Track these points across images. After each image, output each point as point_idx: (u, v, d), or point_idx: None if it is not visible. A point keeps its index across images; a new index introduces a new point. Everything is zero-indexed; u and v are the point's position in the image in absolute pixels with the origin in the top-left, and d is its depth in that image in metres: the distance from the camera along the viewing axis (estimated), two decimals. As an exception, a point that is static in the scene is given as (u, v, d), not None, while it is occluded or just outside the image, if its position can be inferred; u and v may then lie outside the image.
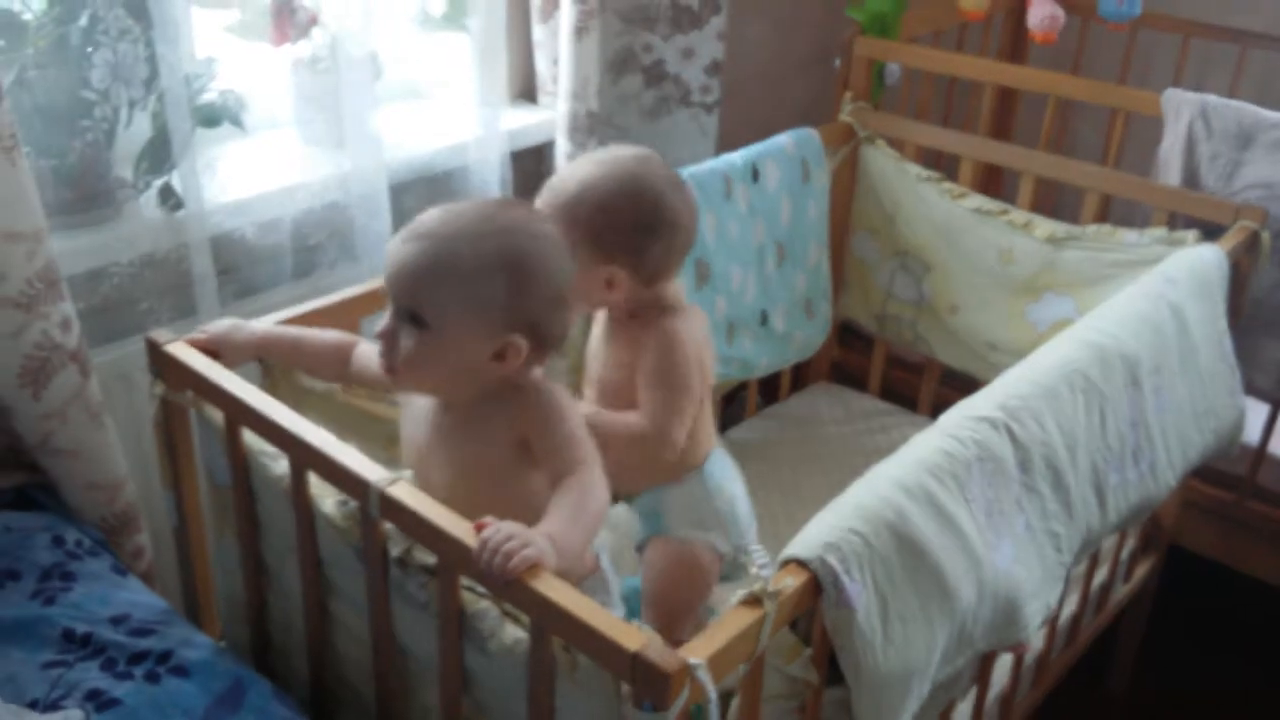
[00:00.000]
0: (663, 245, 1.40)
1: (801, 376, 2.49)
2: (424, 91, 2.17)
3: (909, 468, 1.18)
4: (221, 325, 1.39)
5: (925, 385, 2.40)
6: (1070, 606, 1.84)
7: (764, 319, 2.14)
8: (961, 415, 1.28)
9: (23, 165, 1.38)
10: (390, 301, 1.21)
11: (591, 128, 2.16)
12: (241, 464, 1.29)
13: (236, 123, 1.76)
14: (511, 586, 1.00)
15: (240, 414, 1.25)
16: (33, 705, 1.24)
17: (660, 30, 2.22)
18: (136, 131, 1.66)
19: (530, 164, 2.25)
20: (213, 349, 1.36)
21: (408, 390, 1.26)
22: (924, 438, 1.25)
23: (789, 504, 2.12)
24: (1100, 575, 1.92)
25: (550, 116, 2.20)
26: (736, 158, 2.04)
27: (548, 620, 0.99)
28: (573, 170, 1.42)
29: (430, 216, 1.21)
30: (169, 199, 1.70)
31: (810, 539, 1.08)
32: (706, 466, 1.53)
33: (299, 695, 1.39)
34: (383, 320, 1.21)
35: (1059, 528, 1.34)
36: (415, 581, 1.12)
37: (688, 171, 1.96)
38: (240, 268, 1.84)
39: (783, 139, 2.12)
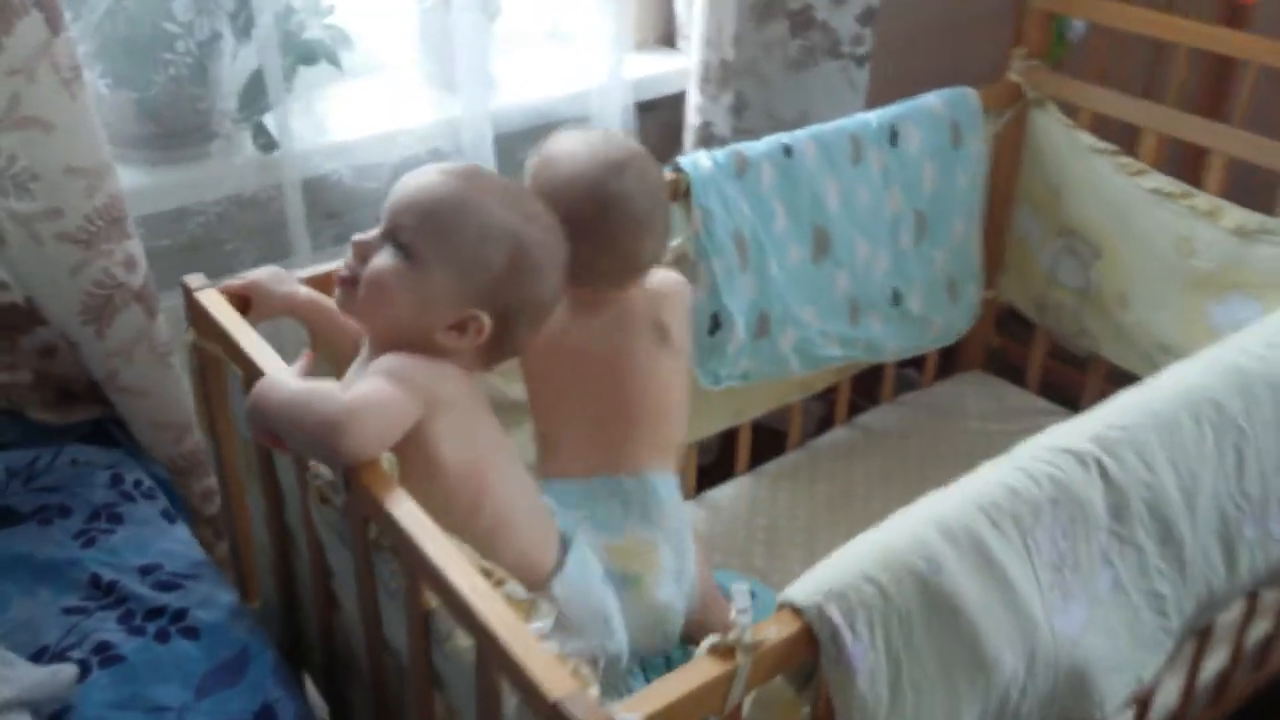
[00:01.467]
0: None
1: (952, 362, 2.27)
2: (550, 35, 2.06)
3: (959, 505, 1.00)
4: (261, 274, 1.33)
5: (1090, 384, 2.13)
6: (1218, 660, 1.58)
7: (896, 299, 1.94)
8: (1042, 445, 1.08)
9: (84, 99, 1.35)
10: (385, 220, 1.16)
11: (725, 78, 2.00)
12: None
13: (333, 61, 1.70)
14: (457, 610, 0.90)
15: (253, 374, 1.19)
16: (42, 651, 1.24)
17: (811, -27, 2.02)
18: (229, 66, 1.62)
19: (663, 116, 2.11)
20: (246, 298, 1.31)
21: (352, 312, 1.19)
22: (990, 469, 1.06)
23: (908, 503, 1.93)
24: (1260, 627, 1.65)
25: (685, 65, 2.05)
26: (871, 117, 1.84)
27: (486, 646, 0.88)
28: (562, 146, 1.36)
29: (472, 166, 1.20)
30: (261, 137, 1.66)
31: (814, 582, 0.92)
32: None
33: (318, 658, 1.35)
34: (366, 233, 1.16)
35: (1164, 587, 1.12)
36: (387, 568, 1.03)
37: (809, 132, 1.77)
38: (338, 213, 1.79)
39: (931, 98, 1.90)
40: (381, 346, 1.17)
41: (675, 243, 1.66)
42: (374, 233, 1.16)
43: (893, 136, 1.85)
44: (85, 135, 1.36)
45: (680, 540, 1.36)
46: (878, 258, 1.89)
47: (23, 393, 1.52)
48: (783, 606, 0.92)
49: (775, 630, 0.89)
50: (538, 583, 1.22)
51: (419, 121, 1.79)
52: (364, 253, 1.15)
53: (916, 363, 2.17)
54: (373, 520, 1.02)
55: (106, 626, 1.27)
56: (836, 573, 0.93)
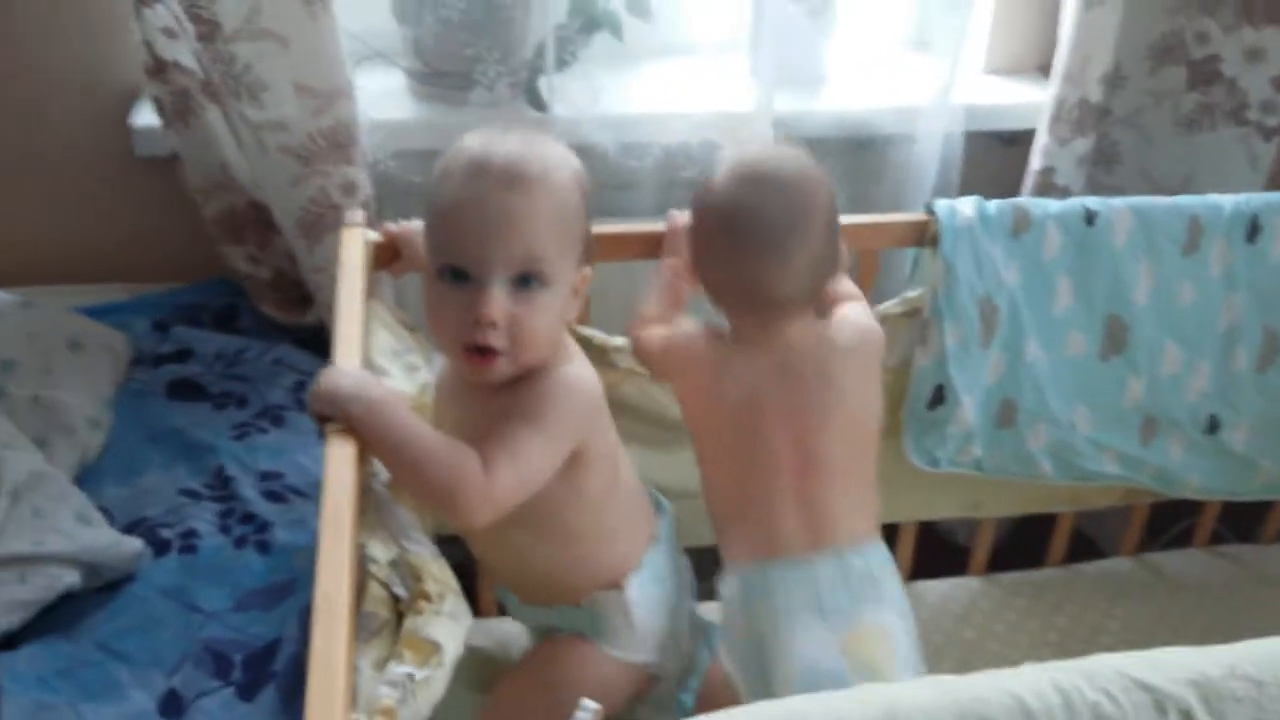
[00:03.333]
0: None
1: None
2: (915, 42, 1.86)
3: (930, 703, 0.74)
4: (413, 225, 1.31)
5: None
6: None
7: (1212, 426, 1.54)
8: (1114, 667, 0.77)
9: (326, 23, 1.39)
10: (488, 269, 1.03)
11: (1083, 122, 1.68)
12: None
13: (615, 33, 1.64)
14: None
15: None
16: (141, 521, 1.31)
17: (1222, 17, 1.64)
18: (514, 21, 1.60)
19: (1016, 153, 1.81)
20: (395, 246, 1.30)
21: (501, 375, 1.07)
22: (1019, 671, 0.78)
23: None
24: None
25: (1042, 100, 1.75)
26: (1228, 202, 1.46)
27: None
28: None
29: (507, 155, 1.07)
30: (526, 93, 1.63)
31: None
32: None
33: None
34: (486, 301, 1.02)
35: None
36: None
37: (1129, 202, 1.44)
38: (596, 186, 1.73)
39: (1323, 193, 1.47)
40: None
41: (914, 294, 1.43)
42: (494, 293, 1.03)
43: (1252, 231, 1.46)
44: (321, 59, 1.41)
45: (910, 625, 1.21)
46: (1195, 373, 1.50)
47: (259, 287, 1.63)
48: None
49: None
50: (618, 579, 1.18)
51: (700, 108, 1.68)
52: (498, 318, 1.03)
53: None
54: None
55: (203, 518, 1.33)
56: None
